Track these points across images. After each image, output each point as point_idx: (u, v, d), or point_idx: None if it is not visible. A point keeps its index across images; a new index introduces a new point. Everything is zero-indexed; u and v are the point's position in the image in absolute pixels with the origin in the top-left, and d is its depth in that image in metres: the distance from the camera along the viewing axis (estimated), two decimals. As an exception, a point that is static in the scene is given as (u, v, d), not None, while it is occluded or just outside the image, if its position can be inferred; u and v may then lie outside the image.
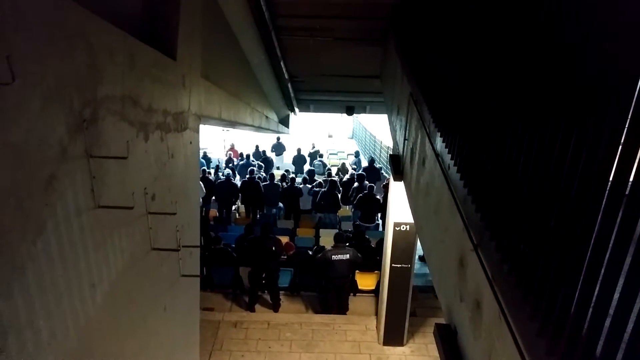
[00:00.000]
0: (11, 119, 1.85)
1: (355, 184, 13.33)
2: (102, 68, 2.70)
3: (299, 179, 14.99)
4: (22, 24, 1.89)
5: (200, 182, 11.84)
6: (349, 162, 21.39)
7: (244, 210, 13.63)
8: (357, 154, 21.68)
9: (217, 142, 24.21)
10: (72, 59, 2.35)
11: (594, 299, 1.53)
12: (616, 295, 1.44)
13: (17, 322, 1.94)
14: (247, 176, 13.04)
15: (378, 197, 12.23)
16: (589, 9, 1.62)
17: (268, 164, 18.01)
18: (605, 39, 1.53)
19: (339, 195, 12.58)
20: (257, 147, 20.34)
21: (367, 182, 13.11)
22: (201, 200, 12.22)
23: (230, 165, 17.44)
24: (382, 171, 17.12)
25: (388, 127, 8.70)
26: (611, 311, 1.46)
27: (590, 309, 1.55)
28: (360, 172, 15.31)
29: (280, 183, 13.71)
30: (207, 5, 5.98)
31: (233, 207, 13.52)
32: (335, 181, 12.97)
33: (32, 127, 2.00)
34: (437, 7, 4.50)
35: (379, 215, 13.05)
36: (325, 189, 12.55)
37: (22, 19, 1.90)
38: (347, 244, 8.96)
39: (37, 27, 2.01)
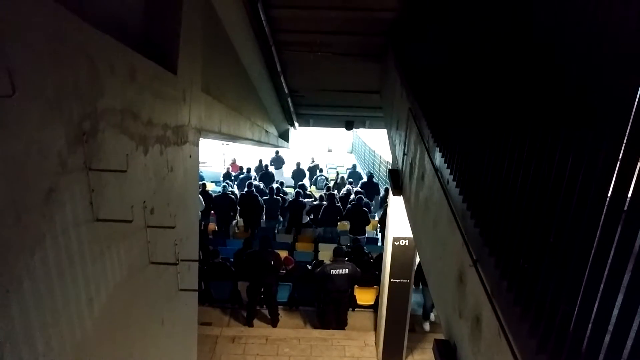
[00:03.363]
0: (11, 131, 1.85)
1: (352, 196, 13.40)
2: (103, 81, 2.71)
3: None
4: (23, 37, 1.90)
5: (200, 196, 11.84)
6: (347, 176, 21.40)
7: (242, 225, 13.60)
8: (353, 167, 21.72)
9: (217, 155, 24.22)
10: (72, 71, 2.35)
11: (593, 315, 1.52)
12: (615, 312, 1.43)
13: (14, 335, 1.93)
14: (246, 190, 13.04)
15: (365, 209, 12.27)
16: (590, 25, 1.63)
17: (269, 178, 18.00)
18: (604, 56, 1.54)
19: (341, 209, 12.61)
20: (260, 161, 20.38)
21: (353, 195, 13.18)
22: (200, 213, 12.20)
23: (228, 180, 17.38)
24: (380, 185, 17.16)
25: (387, 141, 8.71)
26: (610, 327, 1.45)
27: (590, 326, 1.54)
28: (358, 188, 15.35)
29: (281, 197, 13.72)
30: (208, 20, 6.02)
31: (233, 222, 13.48)
32: (333, 194, 12.99)
33: (32, 140, 2.00)
34: (435, 23, 4.54)
35: (378, 228, 13.06)
36: (326, 204, 12.57)
37: (23, 32, 1.91)
38: (346, 259, 8.94)
39: (38, 39, 2.02)
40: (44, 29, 2.06)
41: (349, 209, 12.16)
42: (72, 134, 2.36)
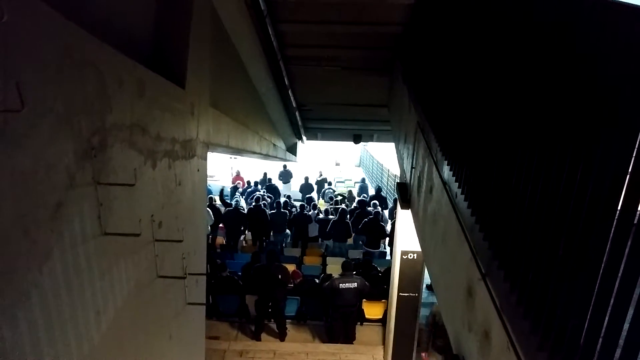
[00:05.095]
0: (20, 145, 1.86)
1: (357, 210, 13.39)
2: (112, 96, 2.73)
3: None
4: (32, 52, 1.92)
5: (208, 210, 11.85)
6: (356, 189, 21.39)
7: (250, 238, 13.60)
8: (362, 180, 21.72)
9: (225, 169, 24.29)
10: (81, 86, 2.37)
11: (603, 329, 1.50)
12: (626, 326, 1.41)
13: (21, 348, 1.93)
14: (253, 204, 13.05)
15: (382, 223, 12.23)
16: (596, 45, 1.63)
17: (274, 191, 17.99)
18: (612, 69, 1.54)
19: (350, 224, 12.59)
20: (265, 174, 20.39)
21: (371, 208, 13.15)
22: (209, 227, 12.21)
23: (236, 194, 17.39)
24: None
25: (395, 155, 8.72)
26: (621, 342, 1.43)
27: (600, 340, 1.52)
28: (361, 198, 15.33)
29: (288, 210, 13.69)
30: (217, 35, 6.07)
31: (242, 237, 13.47)
32: (345, 210, 12.98)
33: (41, 154, 2.01)
34: (442, 36, 4.55)
35: (387, 241, 13.02)
36: (336, 218, 12.55)
37: (33, 47, 1.92)
38: (355, 272, 8.90)
39: (47, 54, 2.03)
40: (53, 43, 2.08)
41: (366, 222, 12.13)
42: (80, 149, 2.38)
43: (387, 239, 12.98)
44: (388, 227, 13.05)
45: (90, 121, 2.47)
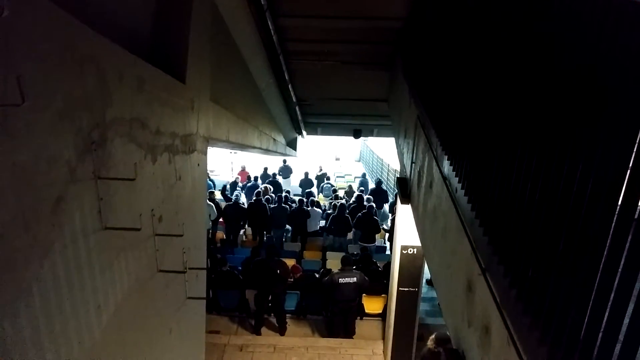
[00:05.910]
0: (20, 140, 1.86)
1: (353, 203, 13.38)
2: (112, 91, 2.72)
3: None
4: (33, 46, 1.92)
5: (212, 204, 11.86)
6: (356, 184, 21.35)
7: (250, 233, 13.59)
8: (363, 175, 21.69)
9: (225, 164, 24.25)
10: (82, 81, 2.37)
11: (603, 324, 1.51)
12: (626, 321, 1.42)
13: (22, 343, 1.93)
14: (254, 198, 13.04)
15: (376, 217, 12.27)
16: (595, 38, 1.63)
17: (277, 186, 17.95)
18: (611, 66, 1.54)
19: (349, 219, 12.58)
20: (265, 169, 20.35)
21: (367, 203, 13.15)
22: (211, 222, 12.21)
23: (237, 189, 17.35)
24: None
25: (395, 150, 8.71)
26: (621, 337, 1.44)
27: (600, 335, 1.53)
28: (359, 193, 15.33)
29: (289, 205, 13.68)
30: (217, 30, 6.05)
31: (241, 231, 13.47)
32: (344, 205, 12.95)
33: (41, 149, 2.01)
34: (442, 30, 4.54)
35: (386, 236, 13.01)
36: (335, 213, 12.53)
37: (34, 41, 1.92)
38: (354, 267, 8.90)
39: (47, 49, 2.03)
40: (54, 38, 2.08)
41: (359, 217, 12.13)
42: (81, 143, 2.38)
43: (387, 234, 12.99)
44: (388, 222, 13.03)
45: (90, 115, 2.47)
